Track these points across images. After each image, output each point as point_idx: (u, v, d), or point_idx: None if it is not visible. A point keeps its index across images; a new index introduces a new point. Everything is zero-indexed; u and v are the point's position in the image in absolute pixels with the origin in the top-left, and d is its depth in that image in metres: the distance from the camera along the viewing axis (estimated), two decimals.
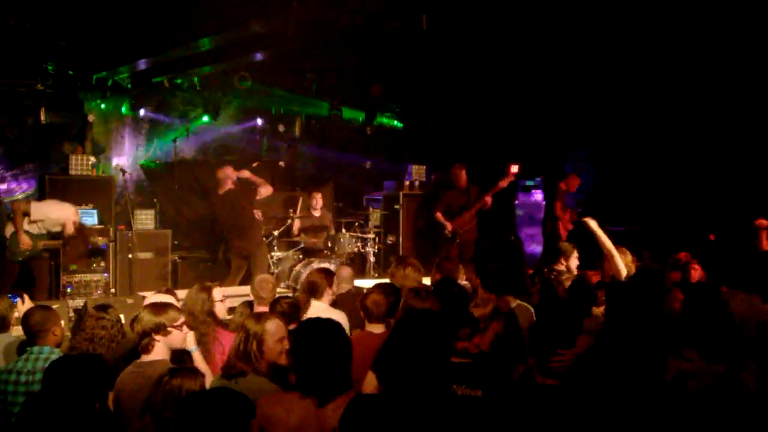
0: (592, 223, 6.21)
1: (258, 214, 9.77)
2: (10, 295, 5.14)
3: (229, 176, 9.42)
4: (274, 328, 3.95)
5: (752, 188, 9.38)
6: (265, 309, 5.30)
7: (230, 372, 3.78)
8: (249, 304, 5.71)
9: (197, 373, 3.43)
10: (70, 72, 10.17)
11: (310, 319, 3.47)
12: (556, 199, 10.70)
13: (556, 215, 10.69)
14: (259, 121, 12.48)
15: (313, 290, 5.67)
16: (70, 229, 8.51)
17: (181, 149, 12.10)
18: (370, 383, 3.84)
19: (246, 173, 9.67)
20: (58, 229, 8.53)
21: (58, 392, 3.07)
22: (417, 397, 2.86)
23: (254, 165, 10.30)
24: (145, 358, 3.90)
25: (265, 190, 9.68)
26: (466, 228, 10.07)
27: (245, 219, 9.55)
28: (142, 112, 11.22)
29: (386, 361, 3.03)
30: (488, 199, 9.96)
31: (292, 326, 4.56)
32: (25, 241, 8.31)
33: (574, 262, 7.03)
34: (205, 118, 11.78)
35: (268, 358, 3.88)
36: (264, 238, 10.17)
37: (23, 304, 5.03)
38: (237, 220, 9.52)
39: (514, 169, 11.48)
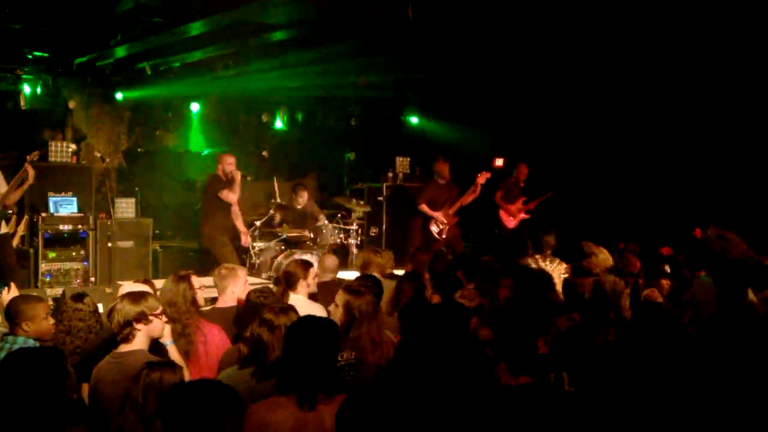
0: None
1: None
2: None
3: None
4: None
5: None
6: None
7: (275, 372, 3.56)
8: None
9: (175, 366, 3.40)
10: (51, 57, 10.03)
11: (304, 318, 3.37)
12: (498, 187, 10.77)
13: (497, 203, 10.84)
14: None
15: (288, 282, 5.61)
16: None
17: (163, 137, 11.99)
18: None
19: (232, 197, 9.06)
20: None
21: (9, 386, 3.00)
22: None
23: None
24: (123, 348, 3.84)
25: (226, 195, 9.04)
26: (451, 223, 10.04)
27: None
28: (123, 98, 11.10)
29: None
30: (478, 187, 9.90)
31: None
32: None
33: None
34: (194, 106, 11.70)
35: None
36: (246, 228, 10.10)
37: (8, 293, 4.90)
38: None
39: (499, 162, 11.53)
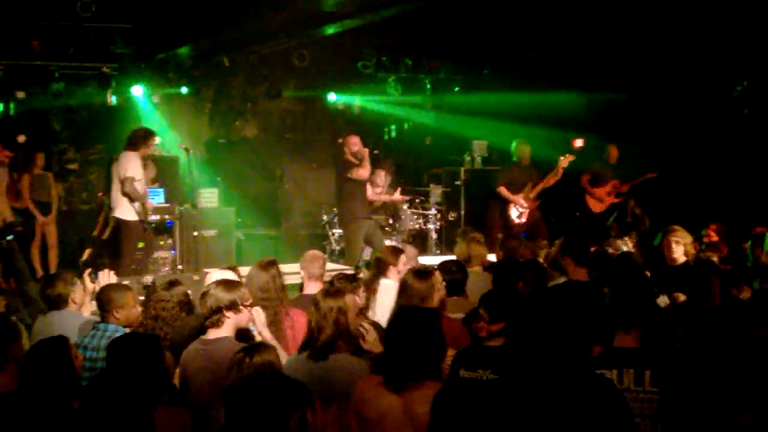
0: None
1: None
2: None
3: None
4: (352, 301, 3.96)
5: None
6: (318, 285, 5.26)
7: (326, 351, 3.70)
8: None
9: (268, 345, 3.50)
10: (134, 53, 10.32)
11: (406, 307, 3.71)
12: (585, 171, 10.35)
13: (582, 187, 10.45)
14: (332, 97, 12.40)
15: (379, 267, 5.63)
16: None
17: (243, 128, 12.21)
18: None
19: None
20: None
21: (118, 369, 3.12)
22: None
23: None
24: (211, 333, 3.90)
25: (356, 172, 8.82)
26: (531, 207, 9.81)
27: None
28: (203, 91, 11.35)
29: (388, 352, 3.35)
30: (560, 170, 9.64)
31: None
32: None
33: None
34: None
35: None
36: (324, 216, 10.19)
37: (103, 280, 5.03)
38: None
39: (578, 143, 11.17)
